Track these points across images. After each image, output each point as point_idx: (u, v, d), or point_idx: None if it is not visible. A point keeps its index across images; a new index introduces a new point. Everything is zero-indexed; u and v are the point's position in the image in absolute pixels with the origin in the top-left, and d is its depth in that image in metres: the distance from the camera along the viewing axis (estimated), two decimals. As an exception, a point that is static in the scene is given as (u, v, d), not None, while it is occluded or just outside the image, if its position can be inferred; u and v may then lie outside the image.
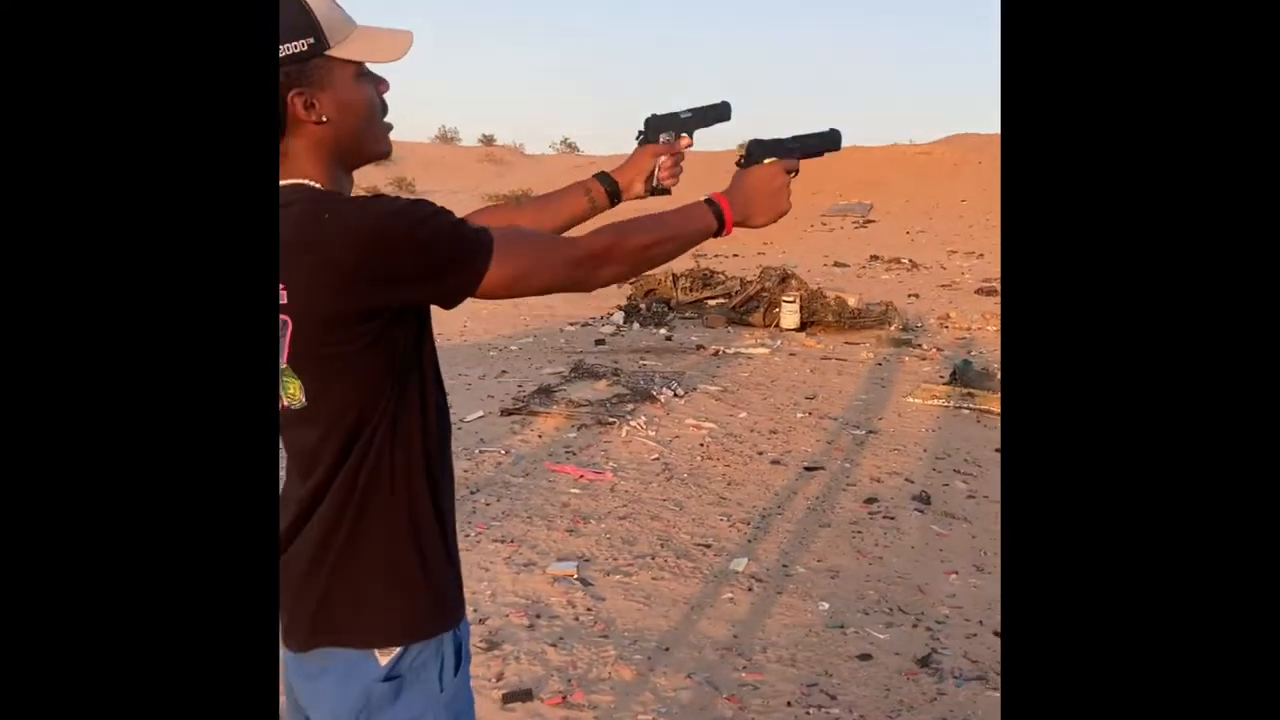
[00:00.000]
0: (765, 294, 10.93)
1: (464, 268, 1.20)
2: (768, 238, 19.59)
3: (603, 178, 1.67)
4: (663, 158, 1.66)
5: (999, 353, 8.40)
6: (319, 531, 1.26)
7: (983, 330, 10.89)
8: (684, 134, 1.66)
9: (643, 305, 11.57)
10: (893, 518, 4.77)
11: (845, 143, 1.62)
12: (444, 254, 1.19)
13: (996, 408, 6.88)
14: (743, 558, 4.19)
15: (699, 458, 5.62)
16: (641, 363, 8.31)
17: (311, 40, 1.21)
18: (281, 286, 1.17)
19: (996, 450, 5.99)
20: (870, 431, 6.35)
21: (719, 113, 1.68)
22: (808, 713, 2.94)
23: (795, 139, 1.56)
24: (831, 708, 2.98)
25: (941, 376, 7.98)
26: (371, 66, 1.28)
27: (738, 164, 1.53)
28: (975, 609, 3.75)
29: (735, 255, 17.88)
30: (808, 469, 5.51)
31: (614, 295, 12.46)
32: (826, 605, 3.74)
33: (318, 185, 1.25)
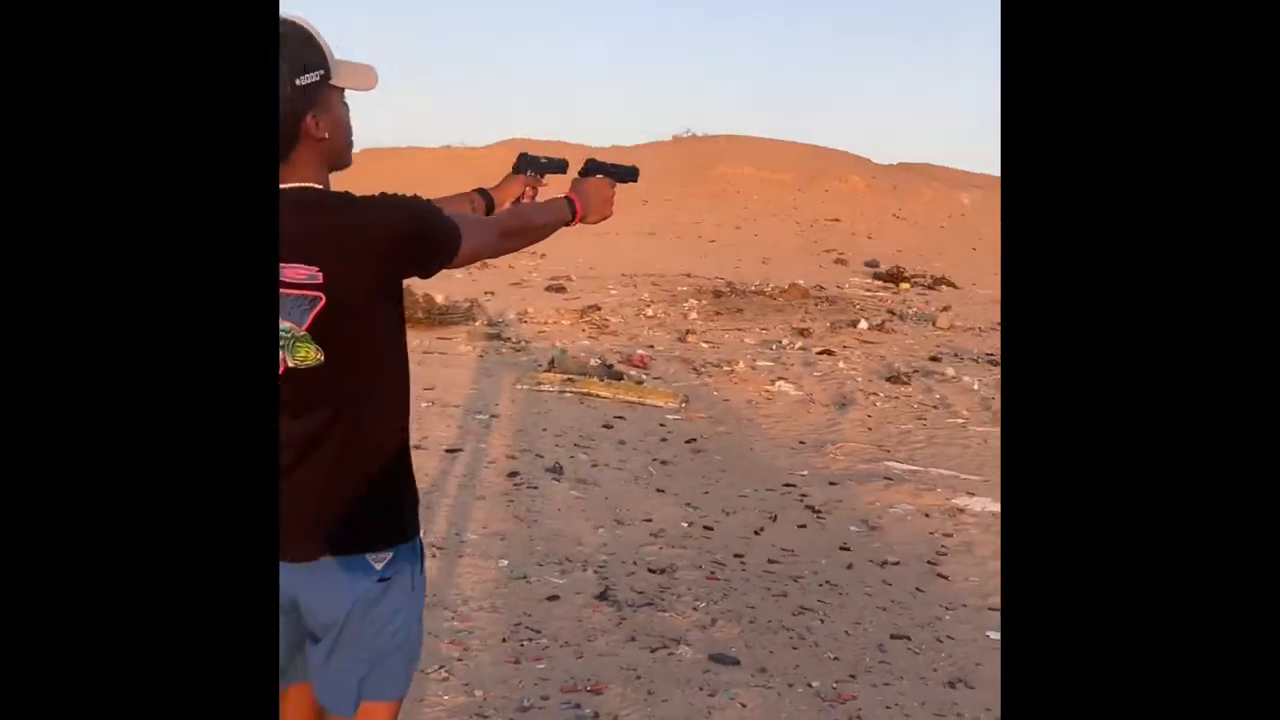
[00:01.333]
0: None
1: (449, 249, 1.57)
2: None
3: (483, 193, 2.05)
4: (528, 188, 2.10)
5: (583, 343, 9.25)
6: (324, 463, 1.55)
7: (558, 324, 11.84)
8: (542, 175, 2.12)
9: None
10: (536, 487, 5.34)
11: None
12: (439, 239, 1.55)
13: (596, 390, 7.73)
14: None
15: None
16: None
17: (323, 72, 1.51)
18: (315, 269, 1.45)
19: (604, 426, 6.81)
20: (493, 416, 6.88)
21: (561, 166, 2.17)
22: (521, 645, 3.41)
23: (615, 166, 2.07)
24: (540, 639, 3.47)
25: (539, 364, 8.71)
26: (350, 94, 1.58)
27: (580, 174, 2.01)
28: (626, 553, 4.42)
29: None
30: (449, 451, 5.91)
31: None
32: (505, 561, 4.22)
33: (320, 187, 1.53)
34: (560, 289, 14.84)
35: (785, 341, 10.96)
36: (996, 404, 8.42)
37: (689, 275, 15.97)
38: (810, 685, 3.20)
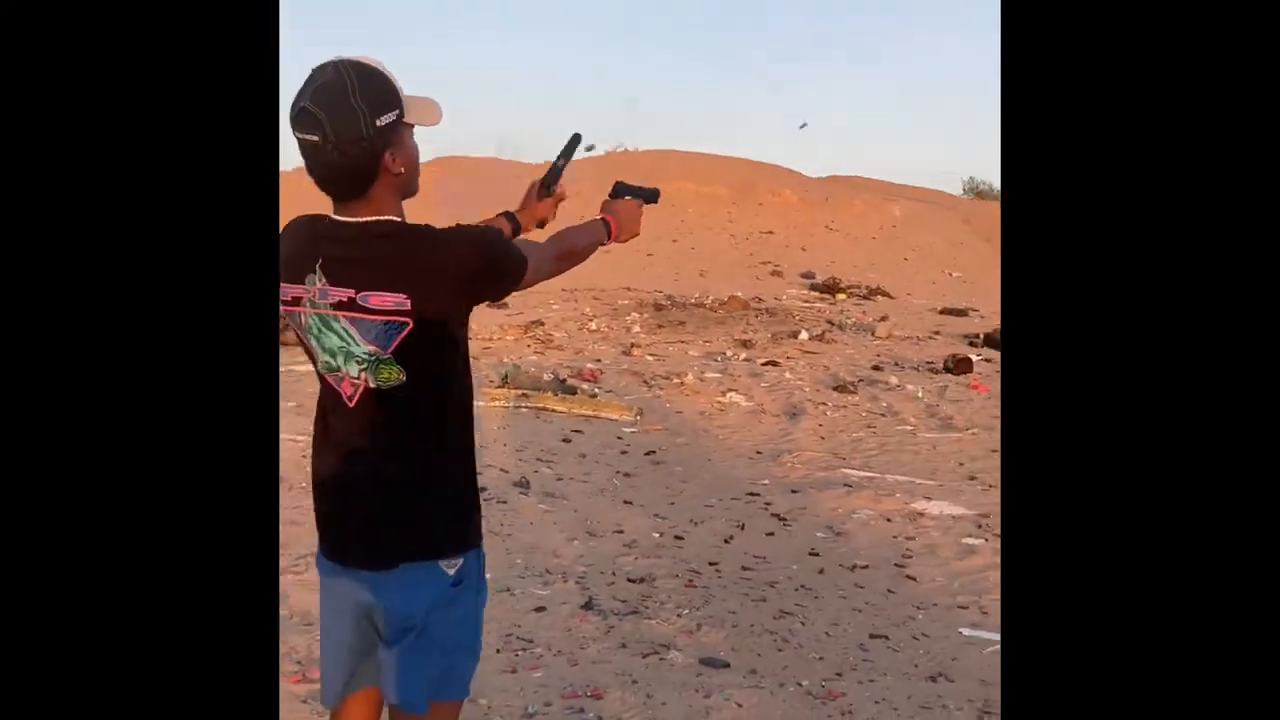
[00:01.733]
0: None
1: (517, 276, 1.67)
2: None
3: (510, 216, 2.13)
4: (553, 211, 2.19)
5: (530, 358, 9.27)
6: (402, 476, 1.62)
7: (503, 339, 11.85)
8: (560, 183, 2.17)
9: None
10: (505, 501, 5.38)
11: None
12: (510, 268, 1.65)
13: (550, 405, 7.79)
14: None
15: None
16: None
17: (399, 111, 1.58)
18: (402, 296, 1.53)
19: (564, 440, 6.87)
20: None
21: (575, 143, 2.22)
22: (516, 655, 3.46)
23: (640, 187, 2.16)
24: (533, 649, 3.53)
25: (491, 380, 8.73)
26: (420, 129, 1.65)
27: (610, 195, 2.09)
28: (603, 564, 4.50)
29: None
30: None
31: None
32: (490, 575, 4.25)
33: (399, 220, 1.61)
34: (502, 305, 14.84)
35: (730, 353, 11.13)
36: (942, 411, 8.68)
37: (629, 289, 16.09)
38: (800, 684, 3.31)
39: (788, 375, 9.94)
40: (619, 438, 7.09)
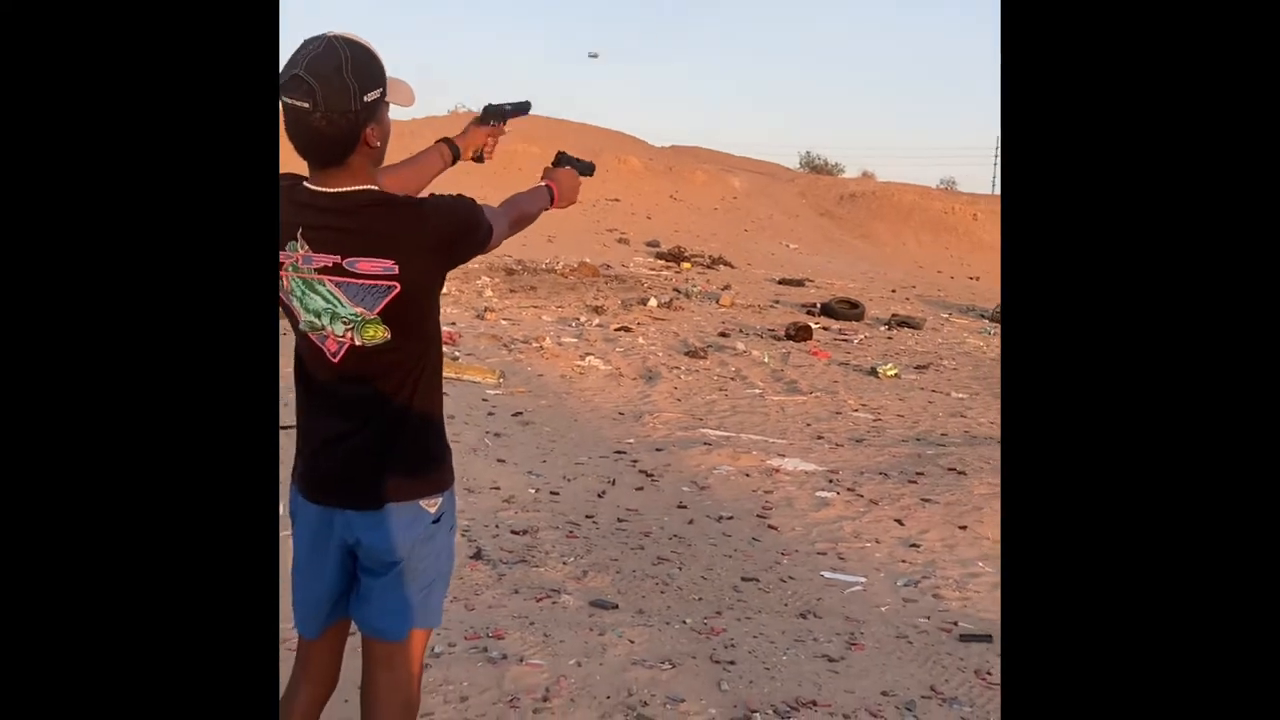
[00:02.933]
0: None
1: (485, 239, 1.82)
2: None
3: (449, 143, 2.26)
4: (489, 138, 2.32)
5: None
6: (386, 425, 1.78)
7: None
8: (503, 123, 2.33)
9: None
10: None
11: None
12: (480, 235, 1.81)
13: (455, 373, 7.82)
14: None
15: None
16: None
17: (382, 89, 1.71)
18: (390, 261, 1.68)
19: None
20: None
21: (525, 108, 2.38)
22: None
23: (579, 160, 2.34)
24: (430, 596, 3.68)
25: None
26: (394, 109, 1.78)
27: (552, 164, 2.26)
28: (485, 518, 4.66)
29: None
30: (282, 428, 5.91)
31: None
32: (375, 529, 4.36)
33: (378, 189, 1.74)
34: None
35: (583, 319, 11.35)
36: (787, 375, 9.18)
37: (478, 252, 16.05)
38: (684, 622, 3.59)
39: (640, 341, 10.25)
40: (484, 399, 7.22)
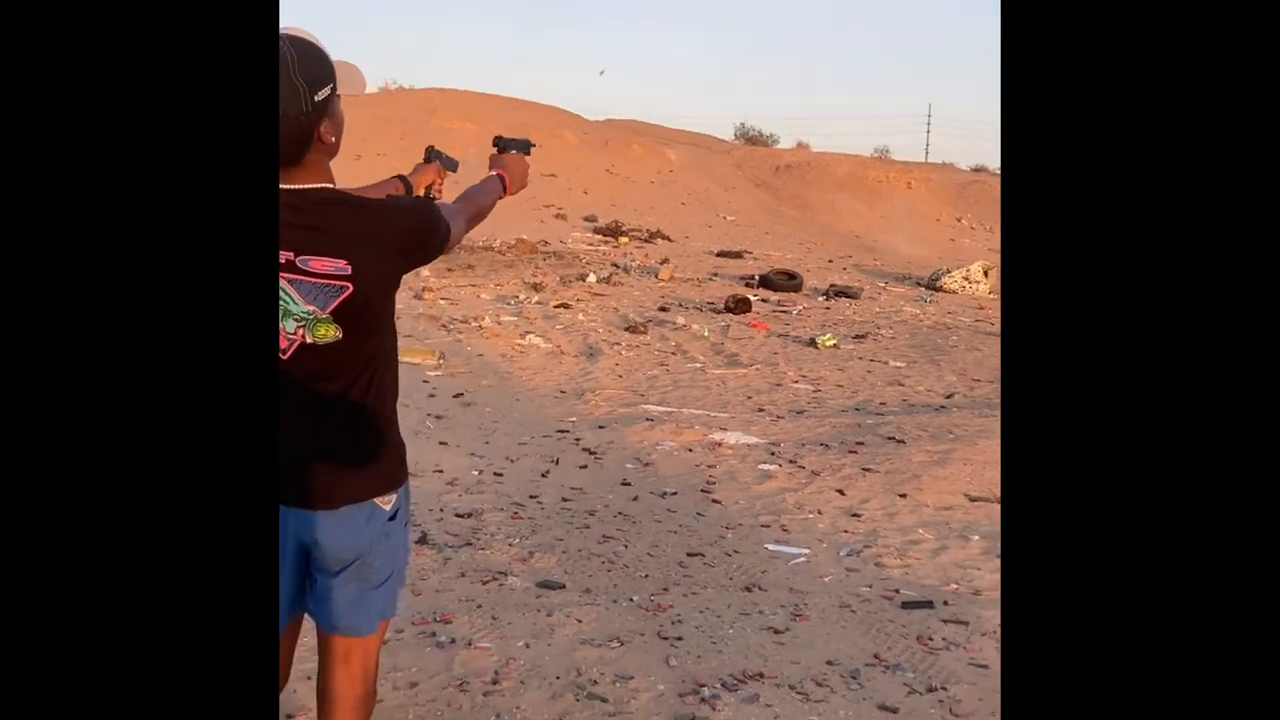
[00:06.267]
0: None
1: (443, 242, 1.81)
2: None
3: (403, 179, 2.25)
4: (437, 177, 2.33)
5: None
6: (339, 424, 1.77)
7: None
8: (449, 168, 2.35)
9: None
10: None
11: None
12: (439, 235, 1.79)
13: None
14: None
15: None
16: None
17: (333, 85, 1.67)
18: (343, 262, 1.66)
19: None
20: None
21: (453, 165, 2.40)
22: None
23: (516, 140, 2.29)
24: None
25: (284, 326, 8.54)
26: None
27: (497, 149, 2.23)
28: (429, 502, 4.64)
29: None
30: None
31: None
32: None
33: (335, 187, 1.71)
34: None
35: (522, 296, 11.29)
36: (727, 348, 9.24)
37: (413, 231, 15.87)
38: (631, 600, 3.62)
39: (580, 317, 10.23)
40: (425, 381, 7.17)
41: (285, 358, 1.74)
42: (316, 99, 1.65)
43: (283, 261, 1.68)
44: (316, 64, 1.65)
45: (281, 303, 1.70)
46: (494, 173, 2.15)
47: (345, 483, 1.79)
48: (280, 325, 1.71)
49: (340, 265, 1.67)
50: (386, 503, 1.83)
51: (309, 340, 1.72)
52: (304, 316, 1.70)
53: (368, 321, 1.76)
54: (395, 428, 1.88)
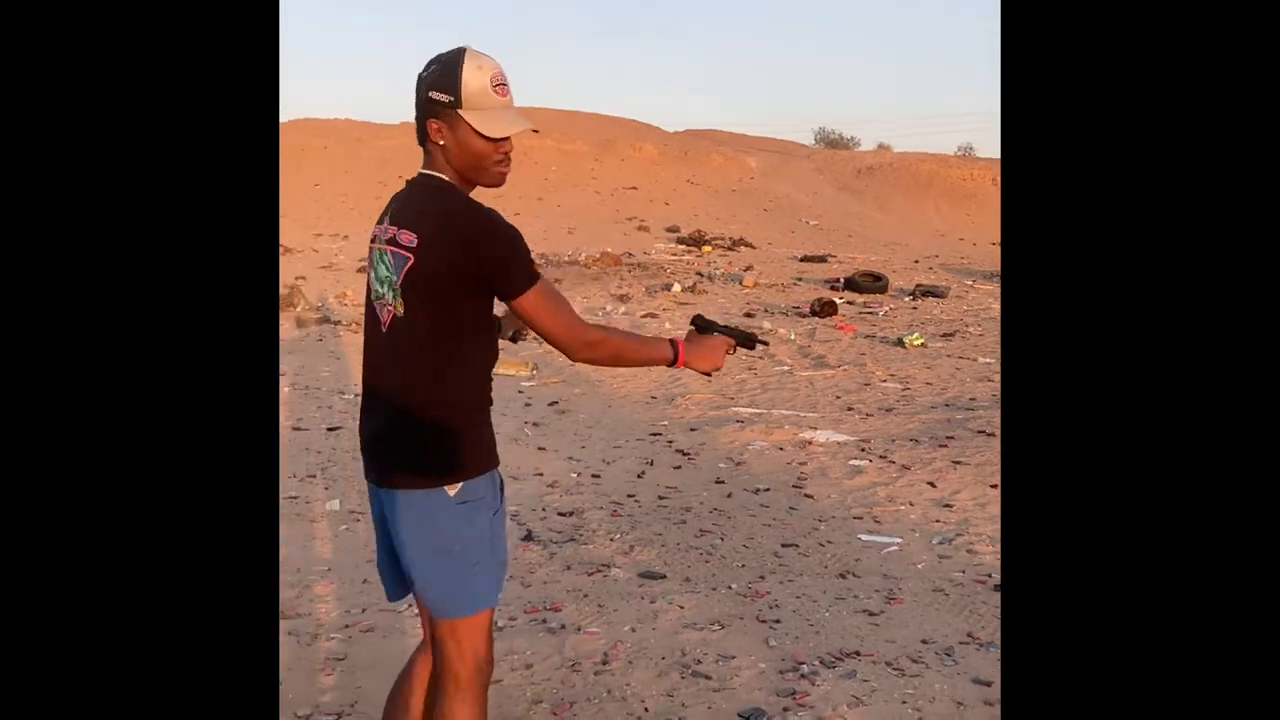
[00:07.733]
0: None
1: (513, 282, 1.83)
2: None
3: (670, 343, 2.11)
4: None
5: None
6: (400, 403, 1.87)
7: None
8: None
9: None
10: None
11: None
12: (507, 266, 1.83)
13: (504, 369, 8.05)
14: (335, 499, 4.81)
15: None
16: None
17: (451, 98, 1.85)
18: (414, 236, 1.82)
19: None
20: (358, 394, 7.09)
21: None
22: (473, 584, 3.81)
23: (737, 330, 2.22)
24: (487, 577, 3.88)
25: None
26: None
27: (693, 328, 2.19)
28: (531, 503, 4.86)
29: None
30: (330, 429, 6.15)
31: None
32: (429, 518, 4.57)
33: (444, 178, 1.90)
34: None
35: (609, 308, 11.54)
36: (814, 350, 9.32)
37: (501, 249, 16.23)
38: (730, 587, 3.78)
39: (667, 326, 10.42)
40: (520, 391, 7.42)
41: (384, 330, 1.90)
42: (430, 96, 1.87)
43: (392, 234, 1.87)
44: (445, 75, 1.86)
45: (389, 274, 1.87)
46: (672, 341, 2.08)
47: (403, 462, 1.88)
48: (386, 296, 1.88)
49: (412, 237, 1.84)
50: (452, 489, 1.87)
51: (399, 313, 1.86)
52: (391, 285, 1.86)
53: (425, 304, 1.83)
54: (474, 425, 1.92)
